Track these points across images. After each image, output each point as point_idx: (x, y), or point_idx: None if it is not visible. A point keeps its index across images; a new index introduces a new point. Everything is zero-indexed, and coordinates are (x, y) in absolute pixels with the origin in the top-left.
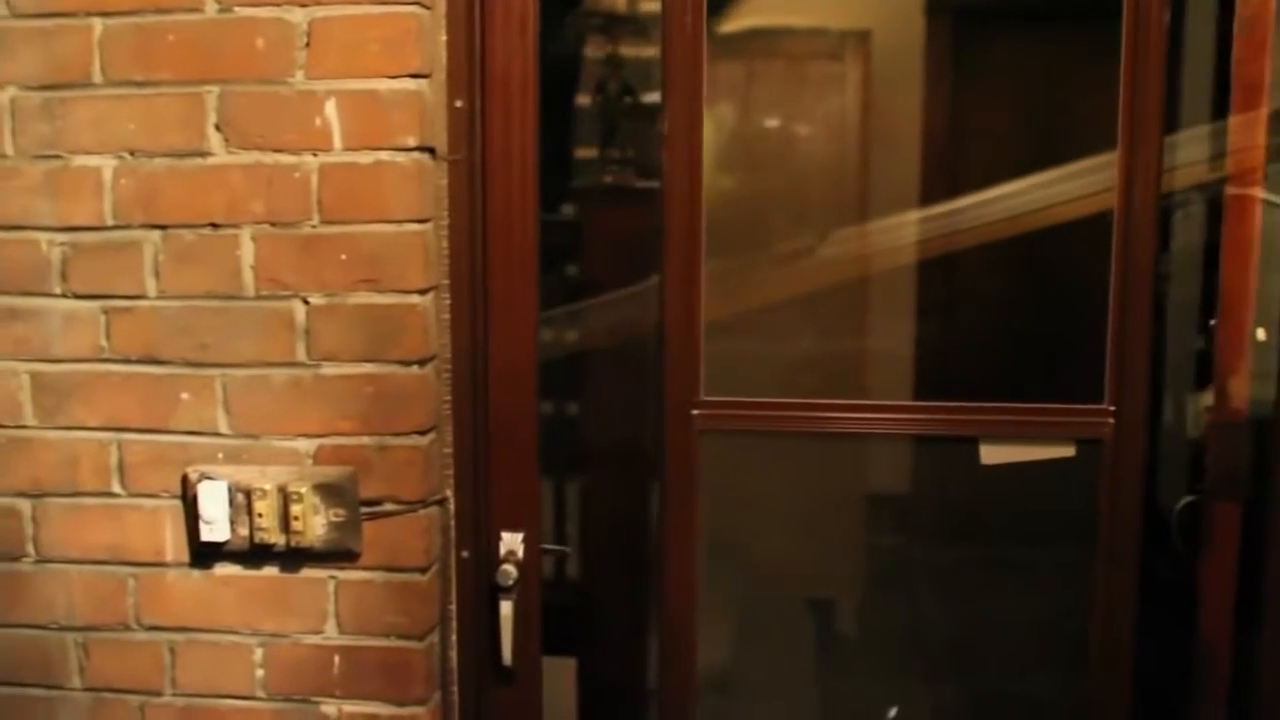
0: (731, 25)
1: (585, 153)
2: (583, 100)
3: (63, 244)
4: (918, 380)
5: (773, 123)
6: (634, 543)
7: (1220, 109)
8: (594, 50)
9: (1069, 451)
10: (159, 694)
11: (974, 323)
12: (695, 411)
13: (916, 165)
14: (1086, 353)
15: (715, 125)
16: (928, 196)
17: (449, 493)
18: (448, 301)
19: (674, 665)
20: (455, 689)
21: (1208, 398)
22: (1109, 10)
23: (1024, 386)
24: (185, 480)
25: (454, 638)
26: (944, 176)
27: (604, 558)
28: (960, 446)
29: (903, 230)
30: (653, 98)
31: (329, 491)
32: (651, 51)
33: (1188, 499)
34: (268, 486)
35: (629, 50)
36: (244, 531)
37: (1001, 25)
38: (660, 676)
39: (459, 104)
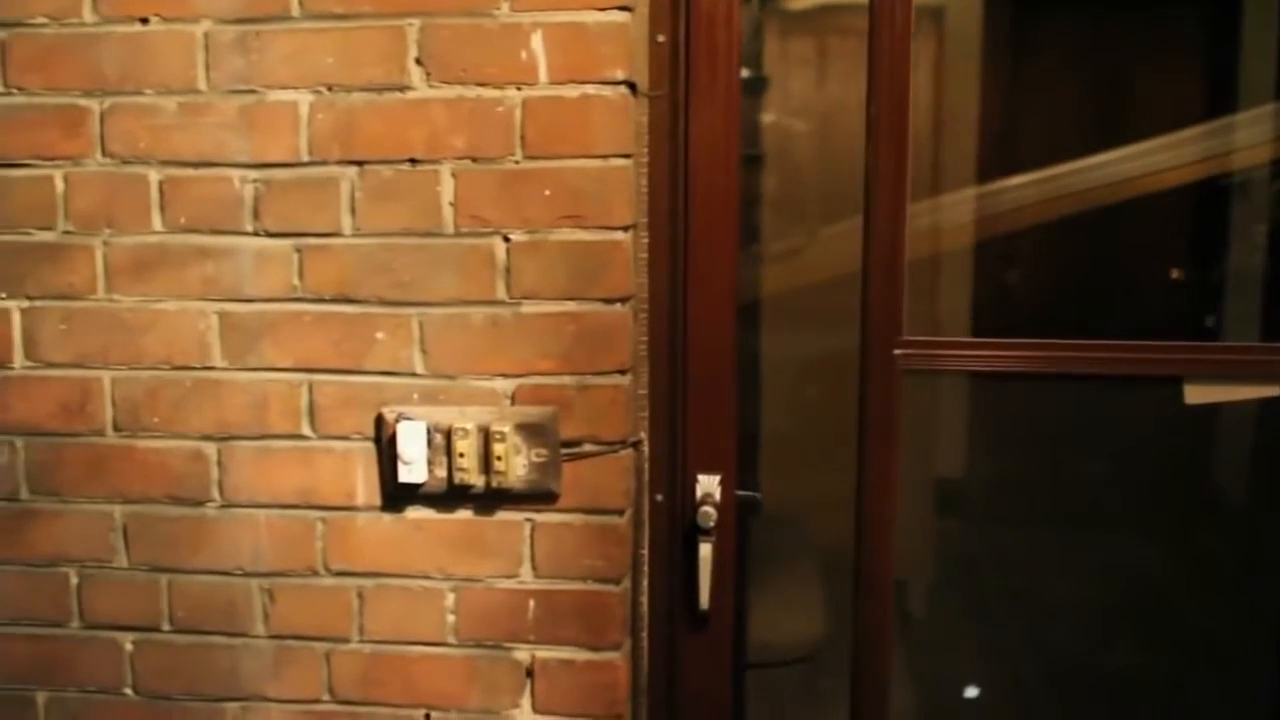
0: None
1: None
2: None
3: (255, 181)
4: (1116, 319)
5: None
6: (829, 487)
7: None
8: None
9: (1276, 391)
10: (346, 641)
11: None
12: (898, 351)
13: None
14: None
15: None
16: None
17: (643, 435)
18: (645, 240)
19: (869, 610)
20: (645, 635)
21: None
22: None
23: (1228, 326)
24: (380, 421)
25: (645, 583)
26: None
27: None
28: (1161, 387)
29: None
30: None
31: (531, 431)
32: None
33: None
34: (469, 426)
35: None
36: (441, 473)
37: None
38: (854, 621)
39: (661, 39)
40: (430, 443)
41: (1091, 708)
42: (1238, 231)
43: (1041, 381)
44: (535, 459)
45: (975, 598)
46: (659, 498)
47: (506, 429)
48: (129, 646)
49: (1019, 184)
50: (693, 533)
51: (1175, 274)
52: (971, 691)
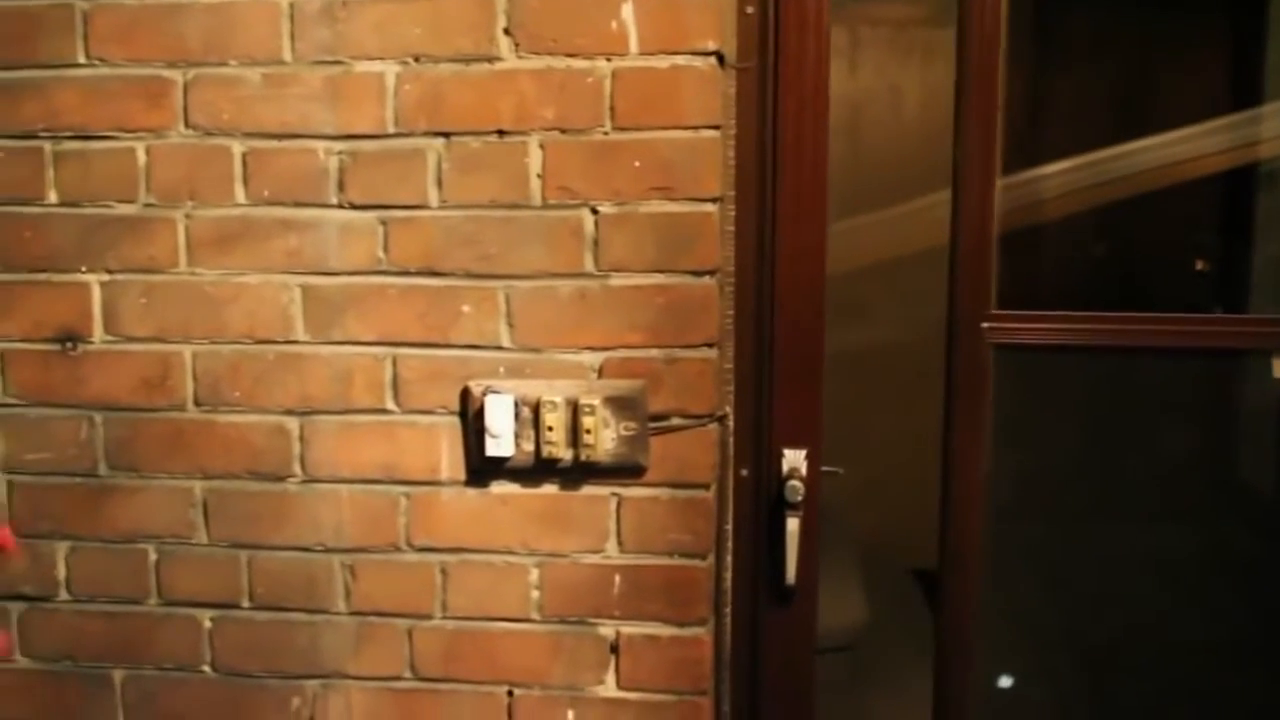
0: None
1: None
2: None
3: (341, 152)
4: (1204, 293)
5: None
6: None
7: None
8: None
9: None
10: (428, 617)
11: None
12: (986, 324)
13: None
14: None
15: None
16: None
17: (728, 409)
18: (732, 213)
19: (954, 585)
20: (729, 611)
21: None
22: None
23: None
24: (466, 395)
25: (729, 558)
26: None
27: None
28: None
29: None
30: None
31: (620, 405)
32: None
33: None
34: (557, 399)
35: None
36: (529, 447)
37: None
38: (939, 598)
39: (750, 10)
40: (518, 416)
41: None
42: None
43: (1129, 356)
44: (624, 432)
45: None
46: (744, 472)
47: (595, 402)
48: (208, 624)
49: (1070, 166)
50: (778, 507)
51: (1200, 265)
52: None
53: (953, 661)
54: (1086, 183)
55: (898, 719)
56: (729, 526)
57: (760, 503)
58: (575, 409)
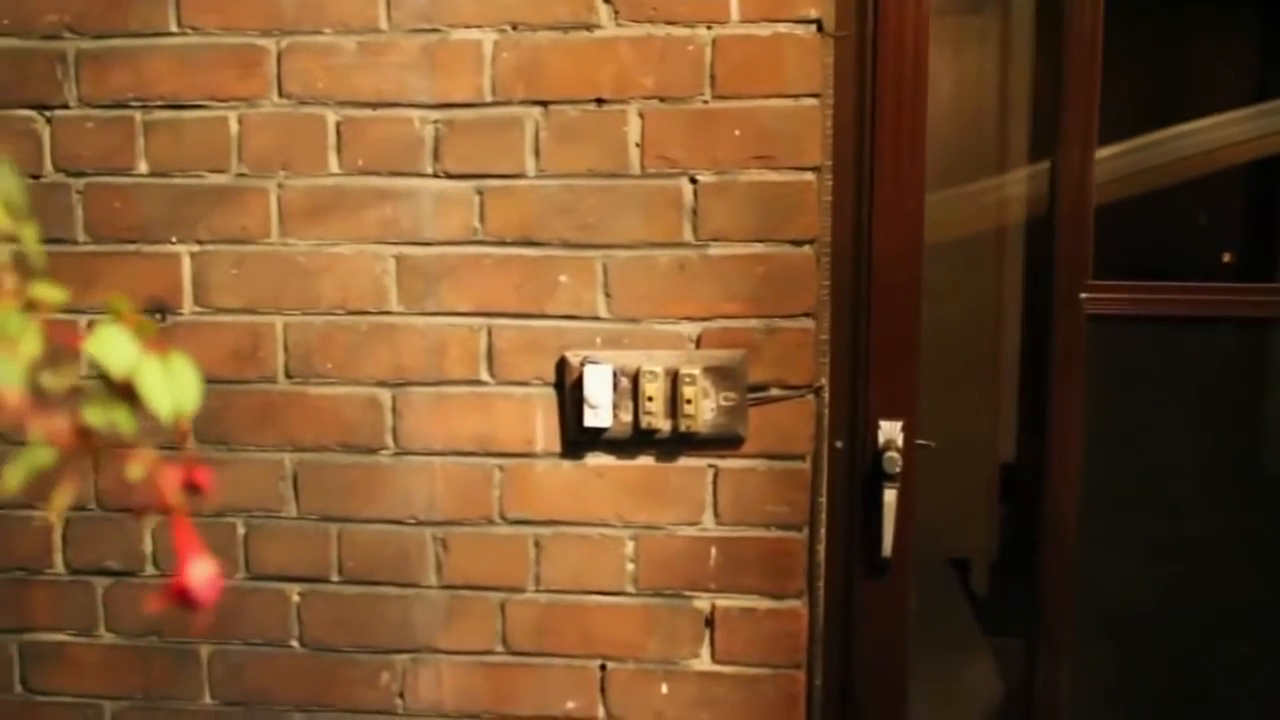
0: None
1: None
2: None
3: (437, 121)
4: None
5: None
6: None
7: None
8: None
9: None
10: (521, 591)
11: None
12: (1084, 295)
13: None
14: None
15: None
16: None
17: (823, 380)
18: (829, 183)
19: (1051, 554)
20: (821, 584)
21: None
22: None
23: None
24: (563, 365)
25: (822, 531)
26: None
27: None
28: None
29: None
30: None
31: (719, 375)
32: None
33: None
34: (657, 369)
35: None
36: (627, 418)
37: None
38: (1037, 566)
39: None
40: (616, 386)
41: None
42: None
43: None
44: (723, 403)
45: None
46: (838, 444)
47: (696, 372)
48: (296, 598)
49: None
50: (874, 479)
51: (1227, 258)
52: None
53: (1051, 633)
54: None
55: (945, 708)
56: (823, 499)
57: (856, 474)
58: (675, 379)
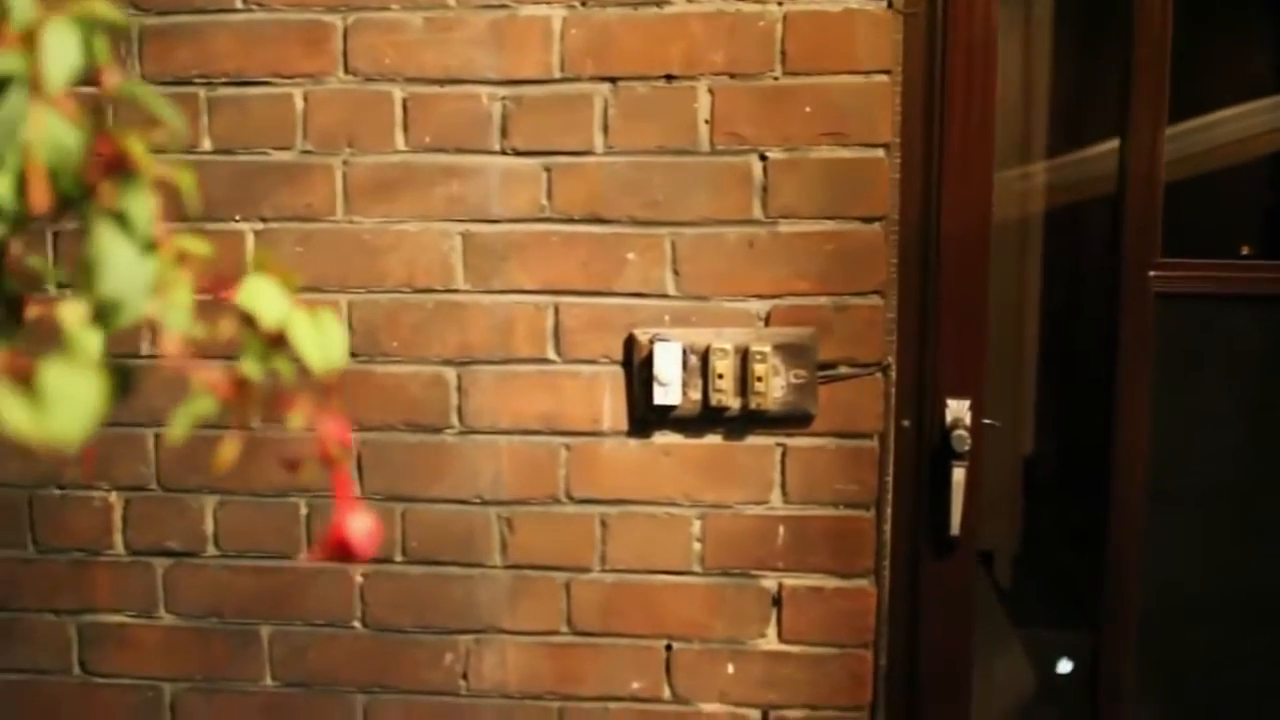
0: None
1: None
2: None
3: (504, 98)
4: None
5: None
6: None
7: None
8: None
9: None
10: (586, 570)
11: None
12: (1153, 273)
13: None
14: None
15: None
16: None
17: (890, 359)
18: (898, 160)
19: (1120, 535)
20: (887, 563)
21: None
22: None
23: None
24: (632, 343)
25: (888, 510)
26: None
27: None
28: None
29: None
30: None
31: (790, 352)
32: None
33: None
34: (727, 347)
35: None
36: (696, 395)
37: None
38: (1106, 548)
39: None
40: (685, 364)
41: None
42: None
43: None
44: (793, 380)
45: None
46: (905, 423)
47: (767, 349)
48: (359, 579)
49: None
50: (942, 458)
51: (1246, 250)
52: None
53: (1116, 616)
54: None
55: (979, 700)
56: (889, 478)
57: (923, 453)
58: (745, 357)
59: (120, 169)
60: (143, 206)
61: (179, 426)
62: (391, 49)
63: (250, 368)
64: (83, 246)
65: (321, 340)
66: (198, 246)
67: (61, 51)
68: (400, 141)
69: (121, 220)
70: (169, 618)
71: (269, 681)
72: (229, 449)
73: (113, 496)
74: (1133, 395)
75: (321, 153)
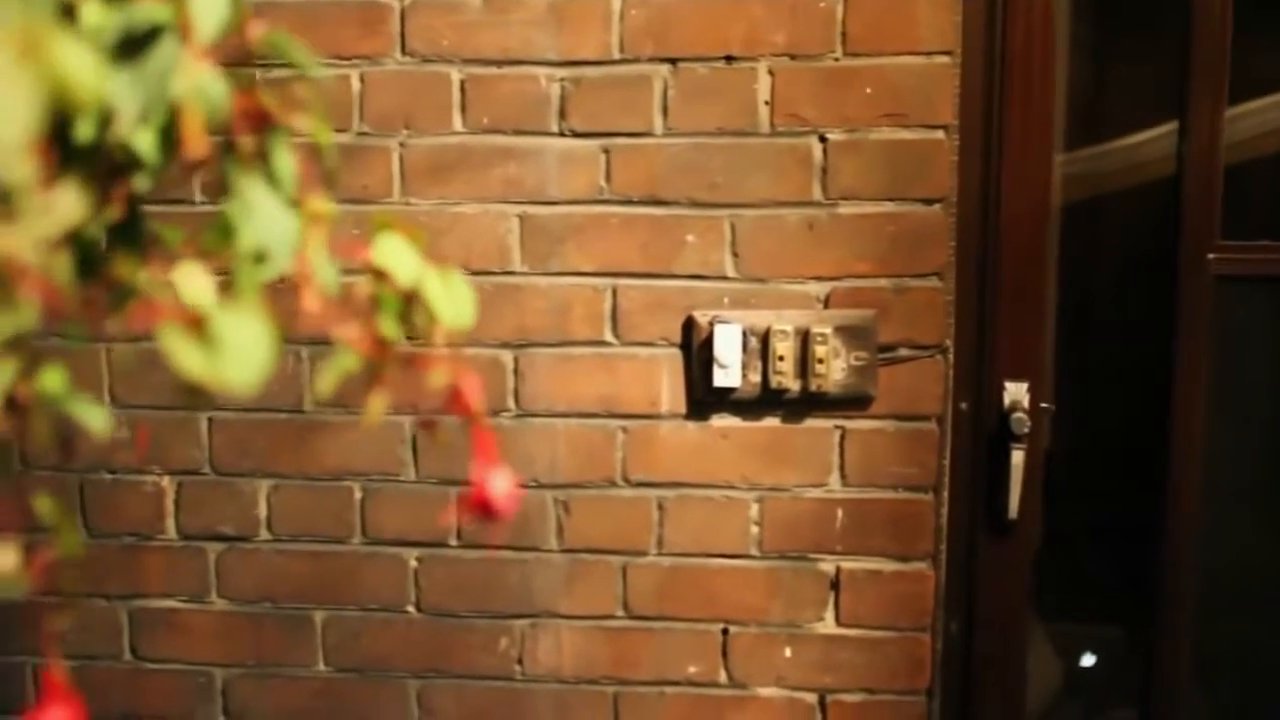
0: None
1: None
2: None
3: (563, 79)
4: None
5: None
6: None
7: None
8: None
9: None
10: (643, 554)
11: None
12: (1211, 255)
13: None
14: None
15: None
16: None
17: (948, 341)
18: (956, 141)
19: (1177, 519)
20: (944, 546)
21: None
22: None
23: None
24: (691, 325)
25: (945, 493)
26: None
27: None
28: None
29: None
30: None
31: (850, 334)
32: None
33: None
34: (787, 329)
35: None
36: (755, 378)
37: None
38: (1162, 530)
39: None
40: (745, 346)
41: None
42: None
43: None
44: (854, 362)
45: None
46: (963, 405)
47: (827, 331)
48: (413, 563)
49: None
50: (1000, 441)
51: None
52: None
53: (1173, 599)
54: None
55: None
56: (946, 461)
57: (979, 436)
58: (806, 339)
59: (263, 123)
60: (286, 161)
61: (327, 381)
62: (449, 30)
63: (388, 326)
64: (224, 202)
65: (453, 299)
66: (325, 207)
67: (211, 2)
68: (458, 123)
69: (266, 174)
70: (221, 603)
71: (321, 667)
72: (377, 403)
73: (165, 481)
74: (1189, 379)
75: (378, 134)
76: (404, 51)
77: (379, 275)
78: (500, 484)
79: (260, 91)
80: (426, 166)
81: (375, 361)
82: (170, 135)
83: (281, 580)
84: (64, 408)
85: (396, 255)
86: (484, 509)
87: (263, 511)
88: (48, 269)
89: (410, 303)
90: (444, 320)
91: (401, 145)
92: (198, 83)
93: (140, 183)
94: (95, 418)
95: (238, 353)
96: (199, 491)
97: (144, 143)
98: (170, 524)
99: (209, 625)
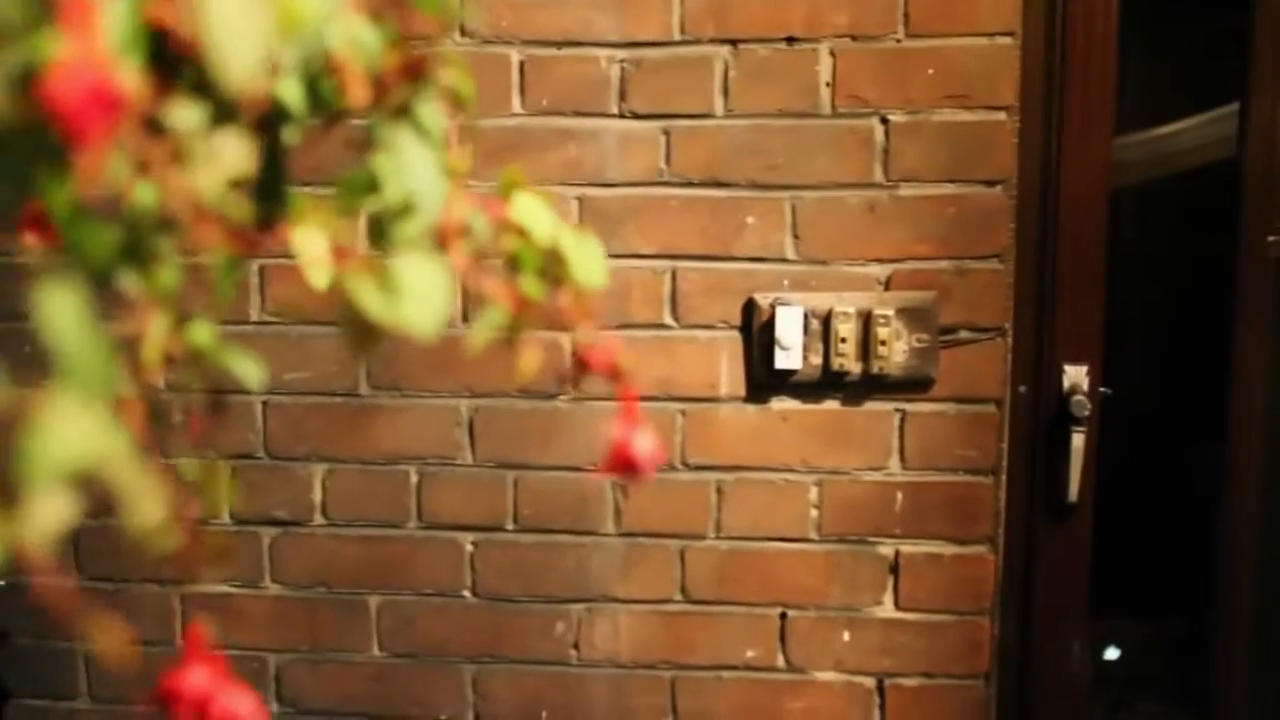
0: None
1: None
2: None
3: (623, 60)
4: None
5: None
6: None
7: None
8: None
9: None
10: (701, 538)
11: None
12: (1272, 238)
13: None
14: None
15: None
16: None
17: (1008, 324)
18: (1017, 123)
19: (1238, 505)
20: (1003, 530)
21: None
22: None
23: None
24: (751, 307)
25: (1004, 476)
26: None
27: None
28: None
29: None
30: None
31: (912, 316)
32: None
33: None
34: (849, 311)
35: None
36: (816, 360)
37: None
38: (1225, 514)
39: None
40: (807, 329)
41: None
42: None
43: None
44: (915, 344)
45: None
46: (1022, 389)
47: (890, 313)
48: (469, 547)
49: None
50: (1060, 424)
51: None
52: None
53: (1234, 582)
54: None
55: None
56: (1004, 444)
57: (1039, 419)
58: (868, 321)
59: (413, 73)
60: (434, 112)
61: (478, 336)
62: (509, 11)
63: (529, 283)
64: (370, 152)
65: (588, 257)
66: (459, 163)
67: None
68: (517, 104)
69: (416, 124)
70: (275, 588)
71: (376, 652)
72: (530, 358)
73: (220, 465)
74: (1250, 361)
75: None
76: (463, 33)
77: (519, 233)
78: (643, 442)
79: (411, 40)
80: (486, 148)
81: (518, 318)
82: (316, 88)
83: (336, 565)
84: (216, 361)
85: (534, 213)
86: (628, 466)
87: (317, 496)
88: (225, 210)
89: (549, 260)
90: (580, 278)
91: (460, 126)
92: (354, 33)
93: (290, 135)
94: (249, 369)
95: (418, 297)
96: (253, 476)
97: (291, 94)
98: (224, 508)
99: (262, 610)
